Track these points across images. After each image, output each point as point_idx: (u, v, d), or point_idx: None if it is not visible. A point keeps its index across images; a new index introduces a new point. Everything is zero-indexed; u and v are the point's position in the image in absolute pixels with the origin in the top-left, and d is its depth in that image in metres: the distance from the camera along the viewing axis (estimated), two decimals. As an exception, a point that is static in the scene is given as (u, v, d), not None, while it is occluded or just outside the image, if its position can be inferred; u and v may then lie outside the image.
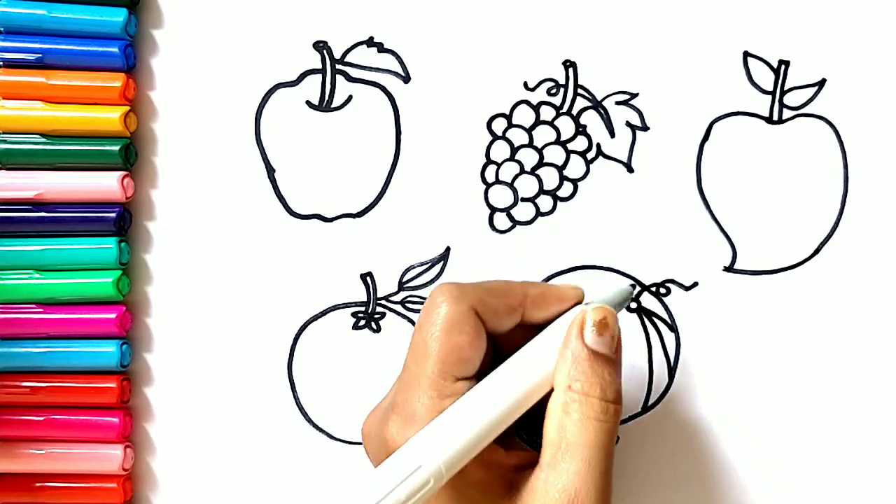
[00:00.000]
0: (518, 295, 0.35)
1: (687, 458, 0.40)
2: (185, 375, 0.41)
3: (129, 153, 0.40)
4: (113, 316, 0.40)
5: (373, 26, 0.41)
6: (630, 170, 0.40)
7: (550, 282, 0.40)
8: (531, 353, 0.34)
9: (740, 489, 0.40)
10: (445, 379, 0.33)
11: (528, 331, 0.35)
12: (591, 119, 0.40)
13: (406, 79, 0.41)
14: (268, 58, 0.41)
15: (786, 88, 0.40)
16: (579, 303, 0.35)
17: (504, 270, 0.40)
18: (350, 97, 0.41)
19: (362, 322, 0.41)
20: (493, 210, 0.41)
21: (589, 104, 0.40)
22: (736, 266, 0.40)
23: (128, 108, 0.40)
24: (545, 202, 0.41)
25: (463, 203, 0.41)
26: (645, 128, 0.40)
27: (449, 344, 0.33)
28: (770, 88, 0.40)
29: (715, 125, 0.40)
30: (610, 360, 0.33)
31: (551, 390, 0.33)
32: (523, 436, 0.36)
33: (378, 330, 0.41)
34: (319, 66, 0.41)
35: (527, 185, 0.41)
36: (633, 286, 0.38)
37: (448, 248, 0.41)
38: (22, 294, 0.40)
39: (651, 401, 0.40)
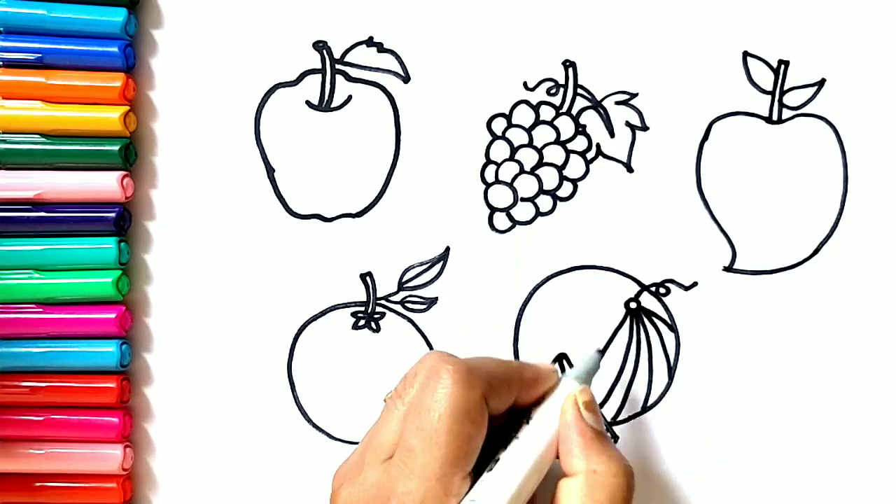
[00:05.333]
0: (517, 381, 0.35)
1: (687, 458, 0.40)
2: (184, 375, 0.41)
3: (129, 153, 0.40)
4: (112, 316, 0.40)
5: (373, 26, 0.41)
6: (630, 170, 0.40)
7: (549, 281, 0.40)
8: (534, 444, 0.34)
9: (740, 488, 0.40)
10: (455, 475, 0.32)
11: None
12: (590, 119, 0.40)
13: (406, 79, 0.41)
14: (268, 58, 0.41)
15: (785, 88, 0.40)
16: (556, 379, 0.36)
17: (504, 270, 0.40)
18: (350, 97, 0.41)
19: (362, 322, 0.41)
20: (493, 210, 0.41)
21: (588, 104, 0.40)
22: (735, 266, 0.40)
23: (127, 107, 0.40)
24: (545, 202, 0.41)
25: (463, 203, 0.41)
26: (645, 128, 0.40)
27: (462, 435, 0.32)
28: (770, 88, 0.40)
29: (714, 125, 0.40)
30: (605, 434, 0.34)
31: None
32: None
33: (378, 330, 0.41)
34: (319, 65, 0.41)
35: (526, 185, 0.41)
36: (601, 351, 0.38)
37: (448, 248, 0.41)
38: (22, 294, 0.40)
39: (651, 401, 0.40)
